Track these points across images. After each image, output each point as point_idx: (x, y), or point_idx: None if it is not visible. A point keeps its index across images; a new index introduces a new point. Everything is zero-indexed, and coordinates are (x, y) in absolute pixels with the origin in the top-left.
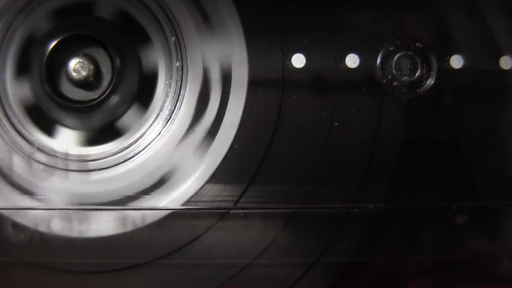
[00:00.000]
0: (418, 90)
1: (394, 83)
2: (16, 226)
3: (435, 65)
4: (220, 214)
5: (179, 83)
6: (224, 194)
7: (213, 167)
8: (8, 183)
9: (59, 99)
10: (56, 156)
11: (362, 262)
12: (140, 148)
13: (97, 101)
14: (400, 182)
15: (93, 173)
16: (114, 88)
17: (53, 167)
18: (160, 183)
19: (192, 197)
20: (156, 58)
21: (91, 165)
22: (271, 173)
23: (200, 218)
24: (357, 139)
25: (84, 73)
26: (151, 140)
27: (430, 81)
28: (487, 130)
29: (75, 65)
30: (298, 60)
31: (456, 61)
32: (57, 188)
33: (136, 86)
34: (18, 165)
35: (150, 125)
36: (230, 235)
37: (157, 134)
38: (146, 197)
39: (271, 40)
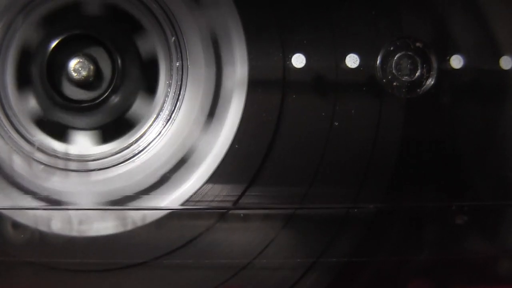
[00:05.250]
0: (418, 90)
1: (394, 83)
2: (16, 226)
3: (435, 65)
4: (219, 214)
5: (179, 83)
6: (223, 194)
7: (213, 167)
8: (8, 183)
9: (60, 99)
10: (56, 156)
11: (362, 262)
12: (140, 148)
13: (97, 101)
14: (400, 182)
15: (93, 173)
16: (114, 88)
17: (53, 167)
18: (160, 183)
19: (191, 197)
20: (156, 58)
21: (91, 165)
22: (271, 173)
23: (199, 218)
24: (357, 139)
25: (84, 73)
26: (151, 140)
27: (430, 81)
28: (487, 130)
29: (75, 65)
30: (298, 60)
31: (456, 61)
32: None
33: (136, 86)
34: (18, 165)
35: (150, 125)
36: (229, 235)
37: (157, 134)
38: (146, 197)
39: (271, 40)
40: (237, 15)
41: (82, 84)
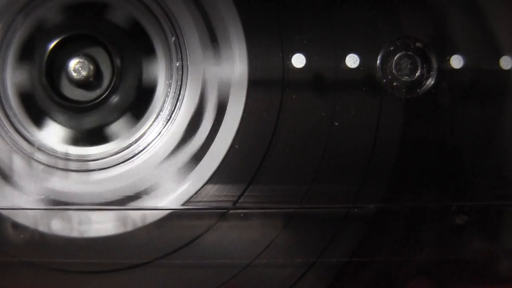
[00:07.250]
0: (418, 90)
1: (394, 83)
2: (16, 226)
3: (435, 65)
4: (220, 214)
5: (179, 83)
6: (224, 194)
7: (213, 167)
8: (8, 183)
9: (59, 99)
10: (56, 156)
11: (362, 262)
12: (140, 148)
13: (97, 101)
14: (400, 182)
15: (93, 173)
16: (114, 88)
17: (53, 167)
18: (160, 183)
19: (192, 197)
20: (156, 58)
21: (91, 165)
22: (271, 173)
23: (200, 218)
24: (357, 139)
25: (84, 73)
26: (151, 140)
27: (430, 81)
28: (487, 130)
29: (75, 65)
30: (298, 60)
31: (456, 61)
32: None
33: (136, 86)
34: (18, 165)
35: (150, 125)
36: (230, 235)
37: (157, 134)
38: (146, 197)
39: (271, 40)
40: (237, 15)
41: (81, 84)
